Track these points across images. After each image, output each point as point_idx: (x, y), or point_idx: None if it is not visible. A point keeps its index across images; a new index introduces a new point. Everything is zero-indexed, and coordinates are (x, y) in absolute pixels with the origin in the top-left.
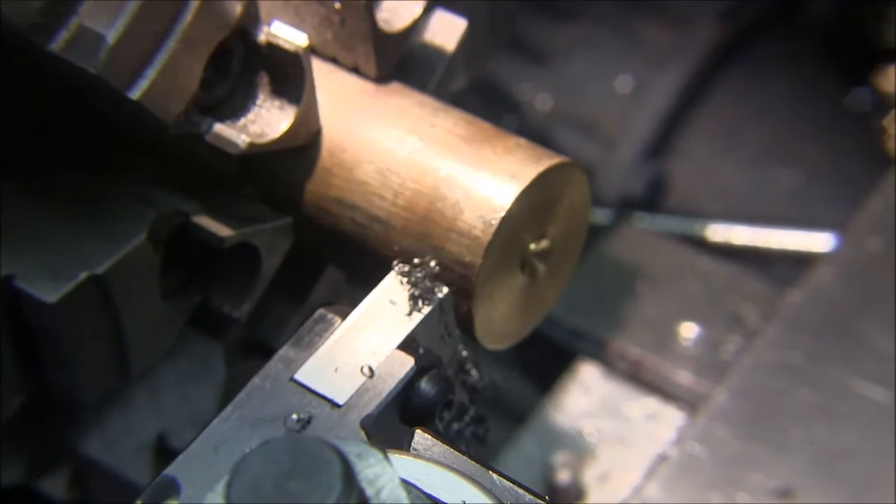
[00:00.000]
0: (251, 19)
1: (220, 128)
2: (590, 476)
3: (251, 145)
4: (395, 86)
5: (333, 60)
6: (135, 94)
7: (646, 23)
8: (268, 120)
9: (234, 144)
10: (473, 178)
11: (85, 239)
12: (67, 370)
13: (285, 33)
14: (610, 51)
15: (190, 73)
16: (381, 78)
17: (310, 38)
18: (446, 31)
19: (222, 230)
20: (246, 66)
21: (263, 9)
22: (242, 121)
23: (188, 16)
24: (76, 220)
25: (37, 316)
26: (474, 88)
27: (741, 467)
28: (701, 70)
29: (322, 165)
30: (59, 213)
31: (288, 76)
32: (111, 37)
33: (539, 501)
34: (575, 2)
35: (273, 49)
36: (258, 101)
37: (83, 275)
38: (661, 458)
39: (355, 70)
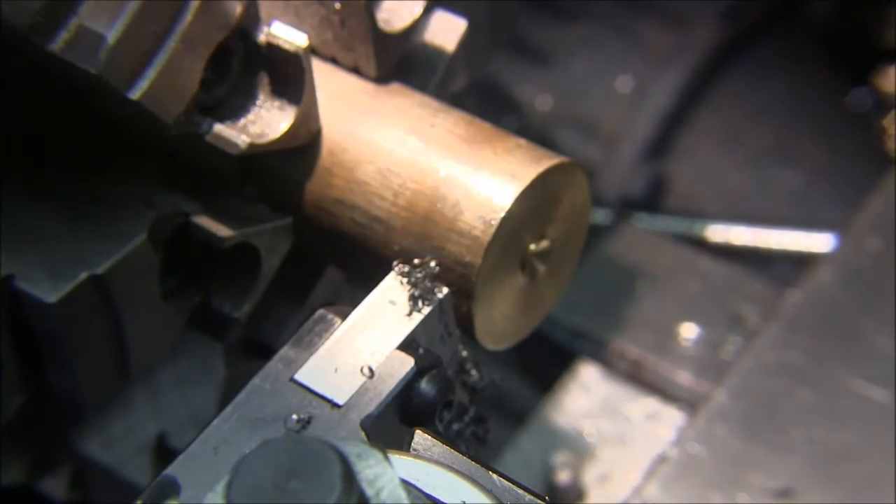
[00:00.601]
0: (251, 19)
1: (220, 128)
2: (590, 476)
3: (251, 145)
4: (396, 86)
5: (333, 60)
6: (135, 94)
7: (646, 23)
8: (268, 120)
9: (234, 144)
10: (474, 178)
11: (85, 239)
12: (68, 371)
13: (285, 33)
14: (610, 51)
15: (190, 74)
16: (381, 78)
17: (310, 38)
18: (446, 31)
19: (222, 230)
20: (246, 66)
21: (263, 9)
22: (242, 121)
23: (188, 16)
24: (76, 220)
25: (37, 316)
26: (474, 89)
27: (741, 467)
28: (701, 70)
29: (322, 165)
30: (59, 213)
31: (288, 76)
32: (111, 37)
33: (539, 501)
34: (576, 2)
35: (273, 49)
36: (258, 102)
37: (83, 275)
38: (661, 459)
39: (355, 70)
